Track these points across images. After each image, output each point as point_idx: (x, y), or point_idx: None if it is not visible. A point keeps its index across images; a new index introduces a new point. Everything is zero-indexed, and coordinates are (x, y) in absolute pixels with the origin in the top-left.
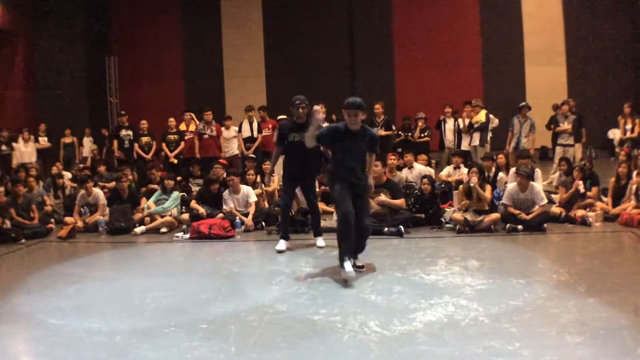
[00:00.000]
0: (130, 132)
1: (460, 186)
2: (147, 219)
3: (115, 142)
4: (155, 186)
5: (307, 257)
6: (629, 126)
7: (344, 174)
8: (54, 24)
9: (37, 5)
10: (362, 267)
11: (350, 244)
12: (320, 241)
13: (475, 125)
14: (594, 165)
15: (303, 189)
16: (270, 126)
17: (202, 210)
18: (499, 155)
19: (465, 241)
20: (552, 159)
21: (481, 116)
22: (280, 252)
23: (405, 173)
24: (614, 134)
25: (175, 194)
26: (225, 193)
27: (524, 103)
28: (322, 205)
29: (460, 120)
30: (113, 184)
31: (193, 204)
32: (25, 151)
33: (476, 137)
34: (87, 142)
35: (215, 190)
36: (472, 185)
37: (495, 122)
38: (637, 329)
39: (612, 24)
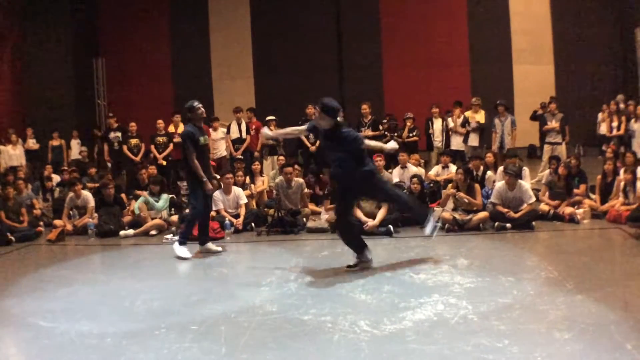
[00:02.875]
0: (119, 134)
1: (449, 185)
2: (143, 214)
3: (106, 145)
4: (142, 192)
5: (296, 257)
6: (614, 123)
7: (339, 191)
8: (42, 26)
9: (25, 6)
10: (353, 266)
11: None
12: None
13: (473, 126)
14: (582, 163)
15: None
16: (253, 127)
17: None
18: (487, 154)
19: (454, 240)
20: (541, 157)
21: (480, 116)
22: (184, 258)
23: (397, 172)
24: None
25: (165, 196)
26: (216, 193)
27: (498, 102)
28: (311, 206)
29: (450, 119)
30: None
31: None
32: (13, 154)
33: (474, 137)
34: (75, 144)
35: None
36: (457, 198)
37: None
38: (625, 324)
39: (600, 23)
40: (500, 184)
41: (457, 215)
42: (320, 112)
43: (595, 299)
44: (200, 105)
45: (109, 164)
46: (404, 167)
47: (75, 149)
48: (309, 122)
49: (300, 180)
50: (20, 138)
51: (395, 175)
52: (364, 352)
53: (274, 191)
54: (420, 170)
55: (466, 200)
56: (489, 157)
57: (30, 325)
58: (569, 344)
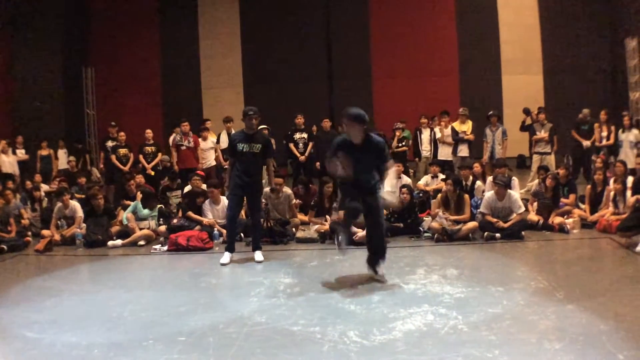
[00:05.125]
0: (114, 144)
1: (439, 195)
2: (131, 225)
3: (102, 154)
4: (129, 202)
5: (285, 268)
6: (604, 133)
7: (351, 189)
8: (32, 35)
9: (15, 16)
10: (380, 276)
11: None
12: (258, 255)
13: (465, 137)
14: (571, 173)
15: (248, 202)
16: None
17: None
18: (475, 164)
19: (444, 250)
20: (530, 167)
21: (467, 127)
22: (223, 264)
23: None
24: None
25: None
26: (206, 204)
27: (491, 112)
28: (301, 216)
29: (437, 129)
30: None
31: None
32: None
33: (464, 148)
34: (62, 154)
35: (200, 203)
36: (446, 223)
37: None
38: (616, 334)
39: (589, 33)
40: (489, 194)
41: (446, 225)
42: (351, 123)
43: (585, 308)
44: (254, 113)
45: (98, 174)
46: (397, 177)
47: (63, 158)
48: (332, 145)
49: (289, 191)
50: (10, 147)
51: (387, 185)
52: None
53: (263, 200)
54: (408, 180)
55: (452, 220)
56: (477, 167)
57: (17, 336)
58: (559, 354)
